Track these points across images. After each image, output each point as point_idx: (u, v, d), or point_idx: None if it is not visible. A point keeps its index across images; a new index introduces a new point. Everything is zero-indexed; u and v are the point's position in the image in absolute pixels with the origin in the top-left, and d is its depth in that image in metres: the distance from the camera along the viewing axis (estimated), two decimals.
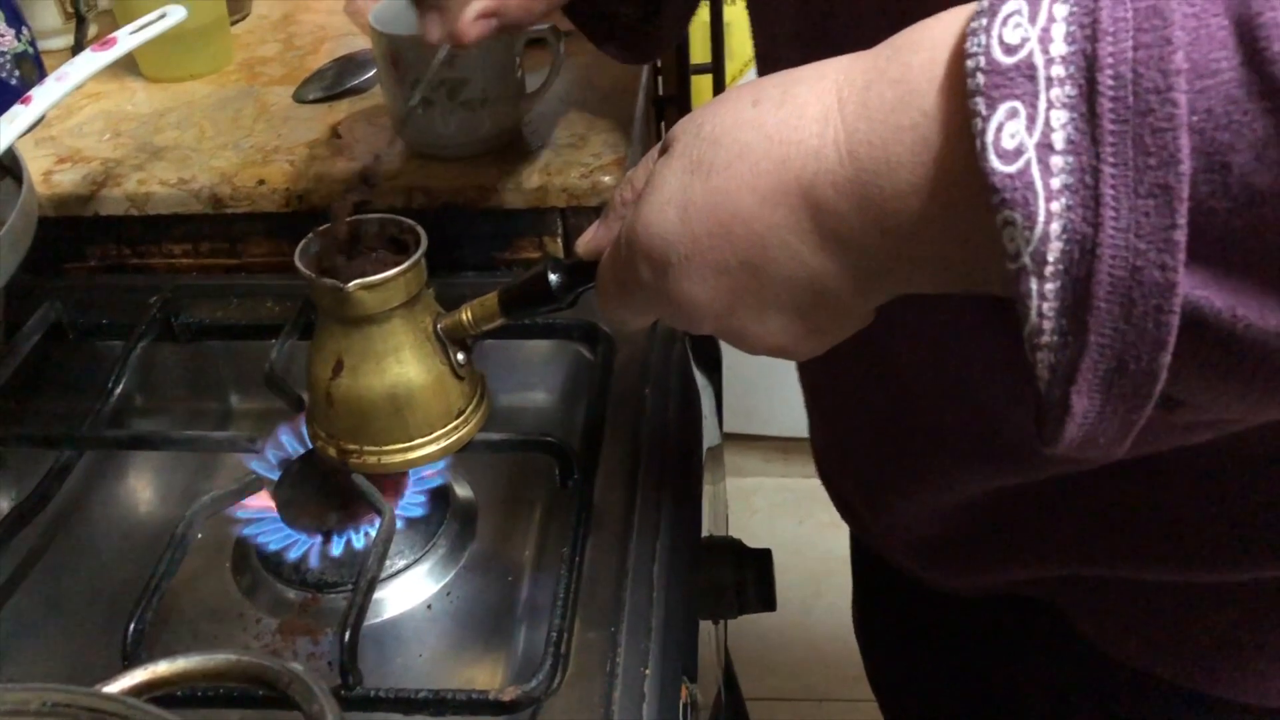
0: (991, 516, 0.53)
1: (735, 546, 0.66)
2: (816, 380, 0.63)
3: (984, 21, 0.28)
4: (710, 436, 0.76)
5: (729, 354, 0.73)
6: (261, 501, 0.59)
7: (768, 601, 0.66)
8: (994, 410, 0.47)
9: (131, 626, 0.50)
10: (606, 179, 0.70)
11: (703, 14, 1.22)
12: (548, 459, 0.62)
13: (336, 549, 0.56)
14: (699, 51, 1.22)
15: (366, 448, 0.52)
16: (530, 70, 0.74)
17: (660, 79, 1.18)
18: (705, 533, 0.67)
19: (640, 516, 0.57)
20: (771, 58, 0.54)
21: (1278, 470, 0.44)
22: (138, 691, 0.36)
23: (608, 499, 0.58)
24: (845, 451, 0.63)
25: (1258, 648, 0.49)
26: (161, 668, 0.36)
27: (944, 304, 0.43)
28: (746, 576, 0.65)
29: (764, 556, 0.66)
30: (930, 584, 0.63)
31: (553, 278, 0.46)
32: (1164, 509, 0.48)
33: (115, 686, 0.36)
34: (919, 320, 0.48)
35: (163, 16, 0.63)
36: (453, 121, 0.70)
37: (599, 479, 0.58)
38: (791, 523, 1.90)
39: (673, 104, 1.16)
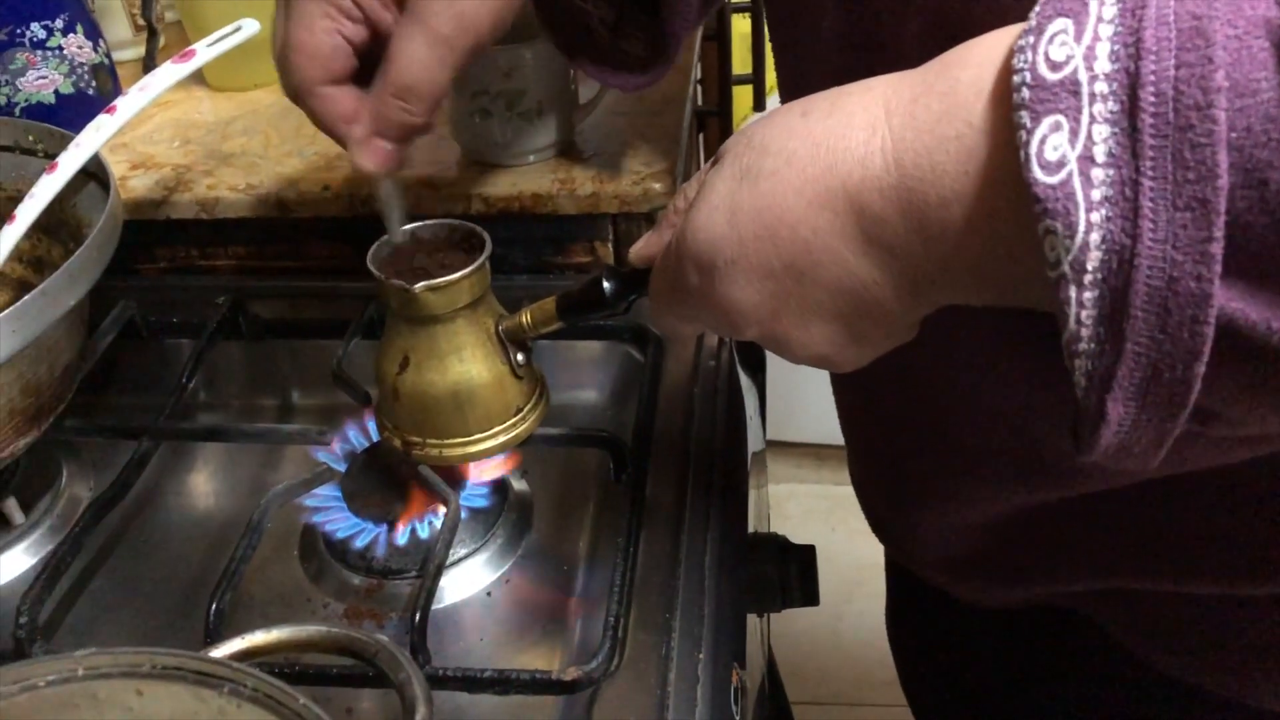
0: (1025, 533, 0.54)
1: (780, 542, 0.68)
2: (852, 398, 0.64)
3: (1031, 39, 0.29)
4: (754, 441, 0.78)
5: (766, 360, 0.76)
6: (329, 492, 0.61)
7: (811, 596, 0.68)
8: (1032, 429, 0.48)
9: (214, 606, 0.53)
10: (656, 186, 0.72)
11: (742, 26, 1.25)
12: (600, 457, 0.65)
13: (402, 538, 0.59)
14: (740, 63, 1.24)
15: (429, 440, 0.55)
16: (583, 83, 0.76)
17: (700, 90, 1.20)
18: (750, 529, 0.69)
19: (690, 510, 0.59)
20: (798, 88, 0.55)
21: None
22: (236, 659, 0.39)
23: (658, 493, 0.60)
24: (878, 467, 0.64)
25: None
26: (258, 637, 0.39)
27: (982, 323, 0.44)
28: (790, 571, 0.67)
29: (808, 552, 0.68)
30: (962, 599, 0.64)
31: (607, 285, 0.48)
32: (1201, 524, 0.48)
33: (216, 654, 0.38)
34: (957, 340, 0.48)
35: (238, 29, 0.66)
36: (509, 131, 0.73)
37: (650, 474, 0.61)
38: (824, 529, 1.91)
39: (714, 115, 1.18)
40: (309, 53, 0.50)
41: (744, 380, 0.76)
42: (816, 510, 1.97)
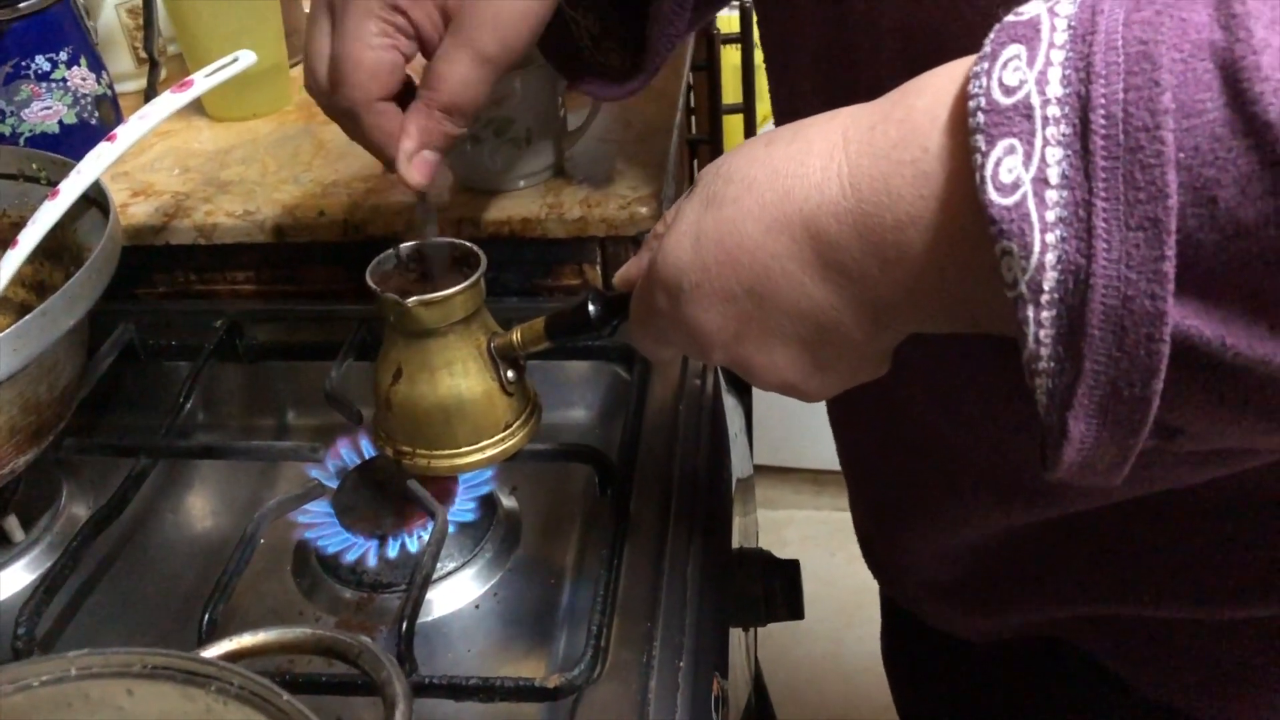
0: (1007, 558, 0.54)
1: (764, 557, 0.69)
2: (840, 420, 0.65)
3: (985, 65, 0.30)
4: (741, 465, 0.79)
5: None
6: (321, 508, 0.63)
7: (796, 610, 0.69)
8: (1011, 449, 0.48)
9: (207, 616, 0.54)
10: (642, 210, 0.74)
11: (733, 57, 1.27)
12: (587, 474, 0.66)
13: (392, 551, 0.60)
14: (730, 92, 1.27)
15: (419, 450, 0.56)
16: (572, 110, 0.78)
17: (694, 120, 1.23)
18: (736, 546, 0.70)
19: (674, 524, 0.60)
20: (791, 112, 0.55)
21: None
22: (225, 660, 0.40)
23: (643, 506, 0.62)
24: (868, 488, 0.65)
25: (1274, 681, 0.50)
26: (246, 639, 0.40)
27: (958, 345, 0.45)
28: (775, 585, 0.68)
29: (792, 567, 0.69)
30: (946, 629, 0.65)
31: (592, 309, 0.50)
32: (1181, 548, 0.48)
33: (205, 655, 0.40)
34: (934, 363, 0.49)
35: (235, 61, 0.68)
36: (499, 157, 0.75)
37: (635, 488, 0.62)
38: (823, 554, 1.91)
39: (705, 144, 1.21)
40: (369, 69, 0.51)
41: (730, 401, 0.77)
42: (816, 535, 1.98)
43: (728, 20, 1.24)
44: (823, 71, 0.50)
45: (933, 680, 0.76)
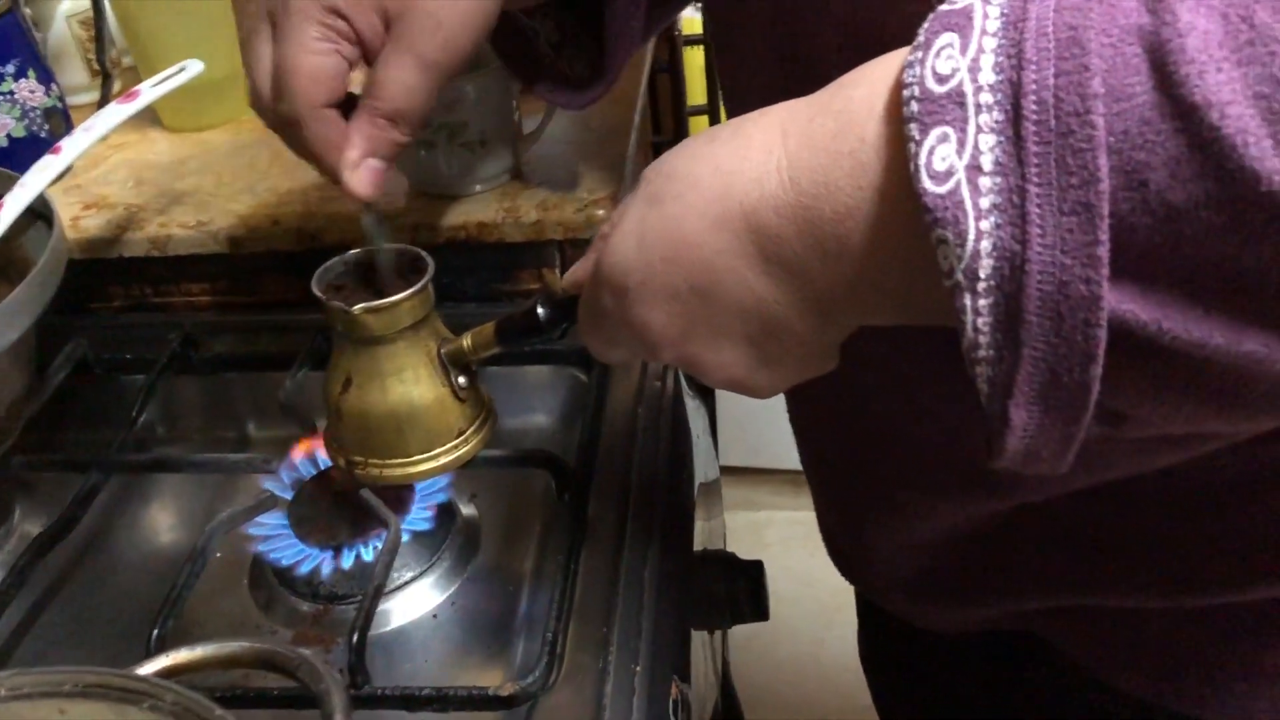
0: (972, 550, 0.54)
1: (728, 559, 0.69)
2: (800, 417, 0.65)
3: (919, 55, 0.30)
4: (706, 466, 0.79)
5: None
6: (275, 520, 0.62)
7: (761, 611, 0.68)
8: (966, 439, 0.47)
9: (155, 632, 0.53)
10: (600, 213, 0.74)
11: (697, 58, 1.27)
12: (547, 480, 0.66)
13: (346, 562, 0.59)
14: (696, 93, 1.26)
15: (371, 460, 0.55)
16: (527, 113, 0.78)
17: (658, 122, 1.22)
18: (699, 548, 0.70)
19: (633, 525, 0.60)
20: (742, 109, 0.56)
21: (1252, 495, 0.45)
22: (162, 676, 0.39)
23: (602, 510, 0.61)
24: (831, 487, 0.65)
25: (1239, 669, 0.50)
26: (183, 654, 0.39)
27: (911, 338, 0.45)
28: (739, 587, 0.68)
29: (755, 568, 0.68)
30: (920, 625, 0.64)
31: (542, 311, 0.49)
32: (1143, 537, 0.48)
33: (142, 671, 0.39)
34: (889, 356, 0.49)
35: (182, 70, 0.67)
36: (454, 162, 0.74)
37: (593, 492, 0.62)
38: (803, 555, 1.91)
39: (670, 145, 1.20)
40: (312, 75, 0.49)
41: (692, 403, 0.77)
42: (795, 536, 1.98)
43: (691, 22, 1.24)
44: (771, 67, 0.50)
45: (910, 677, 0.76)
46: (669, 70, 1.17)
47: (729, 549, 0.73)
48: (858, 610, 0.80)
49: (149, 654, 0.53)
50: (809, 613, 1.77)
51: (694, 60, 1.25)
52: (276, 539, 0.61)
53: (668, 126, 1.23)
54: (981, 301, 0.29)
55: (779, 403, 0.61)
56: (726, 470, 1.98)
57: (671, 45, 1.16)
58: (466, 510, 0.65)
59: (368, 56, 0.52)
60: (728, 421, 1.89)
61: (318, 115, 0.51)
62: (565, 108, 0.64)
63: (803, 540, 1.95)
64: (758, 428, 1.88)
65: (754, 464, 1.98)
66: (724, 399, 1.84)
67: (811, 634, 1.75)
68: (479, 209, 0.75)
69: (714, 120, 1.27)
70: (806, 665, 1.73)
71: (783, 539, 1.98)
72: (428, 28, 0.50)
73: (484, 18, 0.51)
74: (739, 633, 1.69)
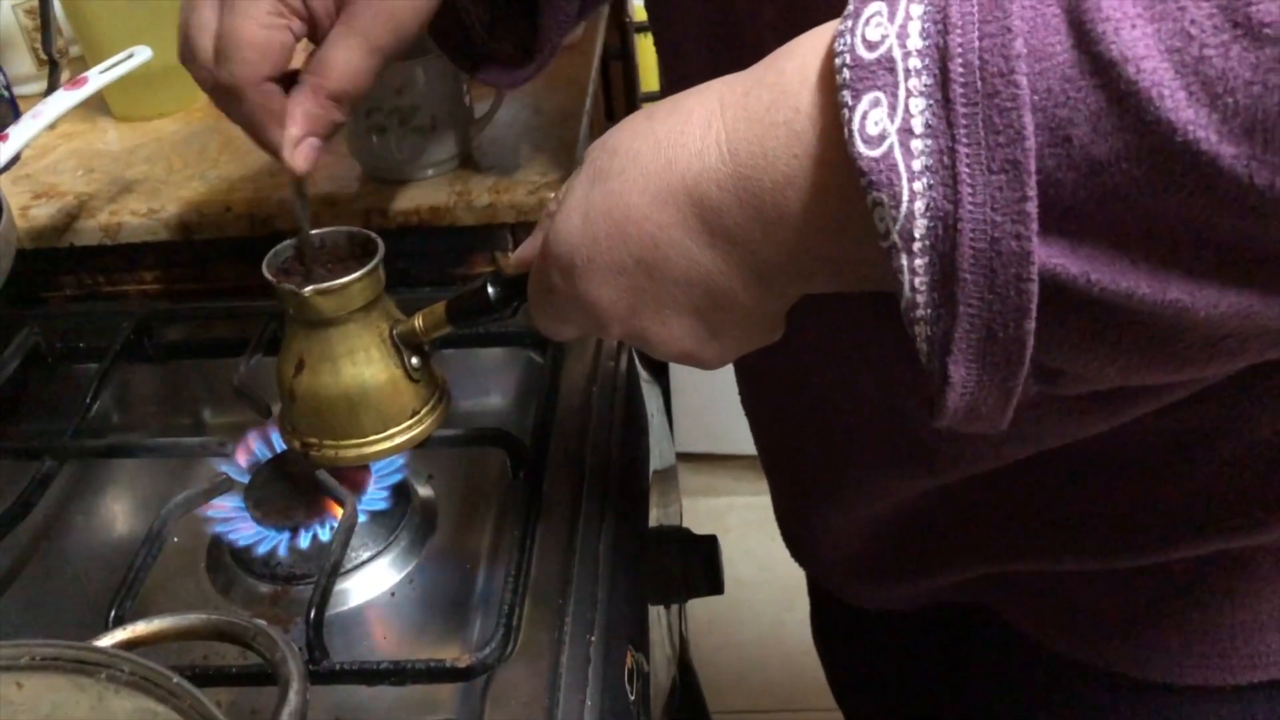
0: (914, 524, 0.55)
1: (682, 534, 0.70)
2: (750, 398, 0.66)
3: (849, 24, 0.31)
4: (661, 449, 0.80)
5: (700, 376, 0.76)
6: (232, 502, 0.62)
7: (715, 585, 0.69)
8: (907, 411, 0.49)
9: (113, 613, 0.54)
10: (551, 195, 0.75)
11: (650, 45, 1.28)
12: (503, 459, 0.66)
13: (304, 542, 0.60)
14: (649, 80, 1.27)
15: (325, 441, 0.56)
16: (479, 98, 0.78)
17: (611, 108, 1.23)
18: (654, 524, 0.71)
19: (587, 501, 0.61)
20: (683, 87, 0.57)
21: (1179, 456, 0.46)
22: (121, 649, 0.40)
23: (557, 487, 0.62)
24: (778, 470, 0.66)
25: (1170, 627, 0.51)
26: (140, 627, 0.40)
27: (850, 314, 0.46)
28: (694, 561, 0.69)
29: (709, 543, 0.70)
30: (869, 605, 0.65)
31: (491, 290, 0.50)
32: (1077, 502, 0.49)
33: (99, 644, 0.39)
34: (829, 335, 0.50)
35: (130, 56, 0.67)
36: (405, 147, 0.75)
37: (548, 469, 0.63)
38: (764, 538, 1.92)
39: None
40: (260, 47, 0.49)
41: (647, 385, 0.78)
42: (757, 521, 1.99)
43: (642, 9, 1.25)
44: (709, 44, 0.50)
45: (860, 655, 0.77)
46: (621, 57, 1.18)
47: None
48: (810, 595, 0.81)
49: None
50: (770, 596, 1.79)
51: (647, 47, 1.26)
52: (233, 521, 0.61)
53: (620, 113, 1.24)
54: (918, 261, 0.30)
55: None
56: (688, 457, 2.00)
57: (623, 32, 1.17)
58: (423, 490, 0.66)
59: (315, 34, 0.52)
60: (688, 408, 1.90)
61: (261, 88, 0.51)
62: (499, 86, 0.65)
63: (763, 525, 1.94)
64: (718, 414, 1.89)
65: (715, 450, 1.99)
66: (683, 386, 1.85)
67: (773, 616, 1.77)
68: (431, 193, 0.76)
69: None
70: (768, 648, 1.75)
71: (744, 523, 2.00)
72: (380, 11, 0.50)
73: (429, 3, 0.51)
74: (701, 616, 1.71)
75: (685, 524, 0.78)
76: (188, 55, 0.52)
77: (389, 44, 0.51)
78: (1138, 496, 0.48)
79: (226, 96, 0.51)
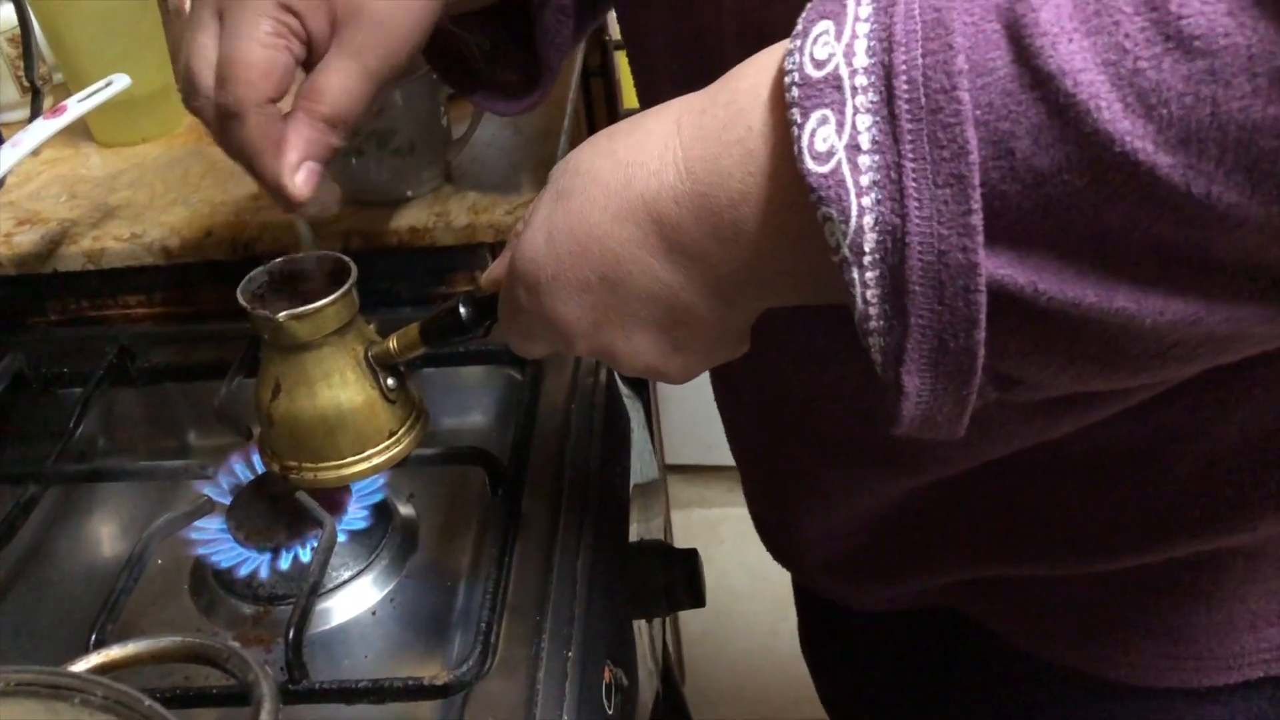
0: (894, 526, 0.56)
1: (663, 548, 0.71)
2: (727, 406, 0.67)
3: (798, 43, 0.32)
4: (643, 463, 0.80)
5: (689, 388, 0.76)
6: (214, 524, 0.63)
7: (697, 598, 0.70)
8: (876, 416, 0.49)
9: (94, 637, 0.54)
10: None
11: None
12: (482, 476, 0.67)
13: (284, 563, 0.60)
14: (630, 97, 1.28)
15: (304, 464, 0.57)
16: (456, 119, 0.79)
17: (593, 126, 1.24)
18: (636, 538, 0.71)
19: (565, 518, 0.62)
20: (653, 103, 0.58)
21: (1152, 458, 0.46)
22: (96, 673, 0.40)
23: (536, 504, 0.63)
24: (755, 475, 0.66)
25: (1148, 630, 0.51)
26: (115, 651, 0.40)
27: (819, 320, 0.46)
28: (675, 574, 0.69)
29: (691, 556, 0.70)
30: (851, 606, 0.66)
31: (463, 310, 0.51)
32: (1052, 505, 0.50)
33: (74, 669, 0.40)
34: (799, 340, 0.51)
35: (109, 84, 0.68)
36: (384, 169, 0.75)
37: (527, 486, 0.63)
38: (757, 549, 1.92)
39: None
40: (263, 68, 0.49)
41: (629, 400, 0.79)
42: (748, 532, 1.97)
43: None
44: (677, 61, 0.51)
45: (844, 659, 0.78)
46: (601, 74, 1.19)
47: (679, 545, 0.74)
48: (794, 595, 0.82)
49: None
50: (763, 607, 1.79)
51: (627, 64, 1.27)
52: (216, 543, 0.62)
53: (600, 129, 1.25)
54: (868, 275, 0.30)
55: None
56: (680, 469, 2.01)
57: (603, 49, 1.18)
58: (404, 509, 0.67)
59: (312, 57, 0.52)
60: (679, 420, 1.90)
61: (263, 110, 0.50)
62: (504, 114, 0.65)
63: (756, 535, 1.97)
64: (710, 425, 1.87)
65: (707, 461, 2.00)
66: (673, 398, 1.85)
67: (766, 626, 1.78)
68: (410, 214, 0.76)
69: None
70: (761, 658, 1.75)
71: (737, 534, 2.00)
72: (375, 36, 0.50)
73: (424, 29, 0.52)
74: (694, 627, 1.71)
75: (678, 536, 0.78)
76: (190, 89, 0.51)
77: (384, 69, 0.51)
78: (1112, 500, 0.49)
79: (225, 122, 0.50)
